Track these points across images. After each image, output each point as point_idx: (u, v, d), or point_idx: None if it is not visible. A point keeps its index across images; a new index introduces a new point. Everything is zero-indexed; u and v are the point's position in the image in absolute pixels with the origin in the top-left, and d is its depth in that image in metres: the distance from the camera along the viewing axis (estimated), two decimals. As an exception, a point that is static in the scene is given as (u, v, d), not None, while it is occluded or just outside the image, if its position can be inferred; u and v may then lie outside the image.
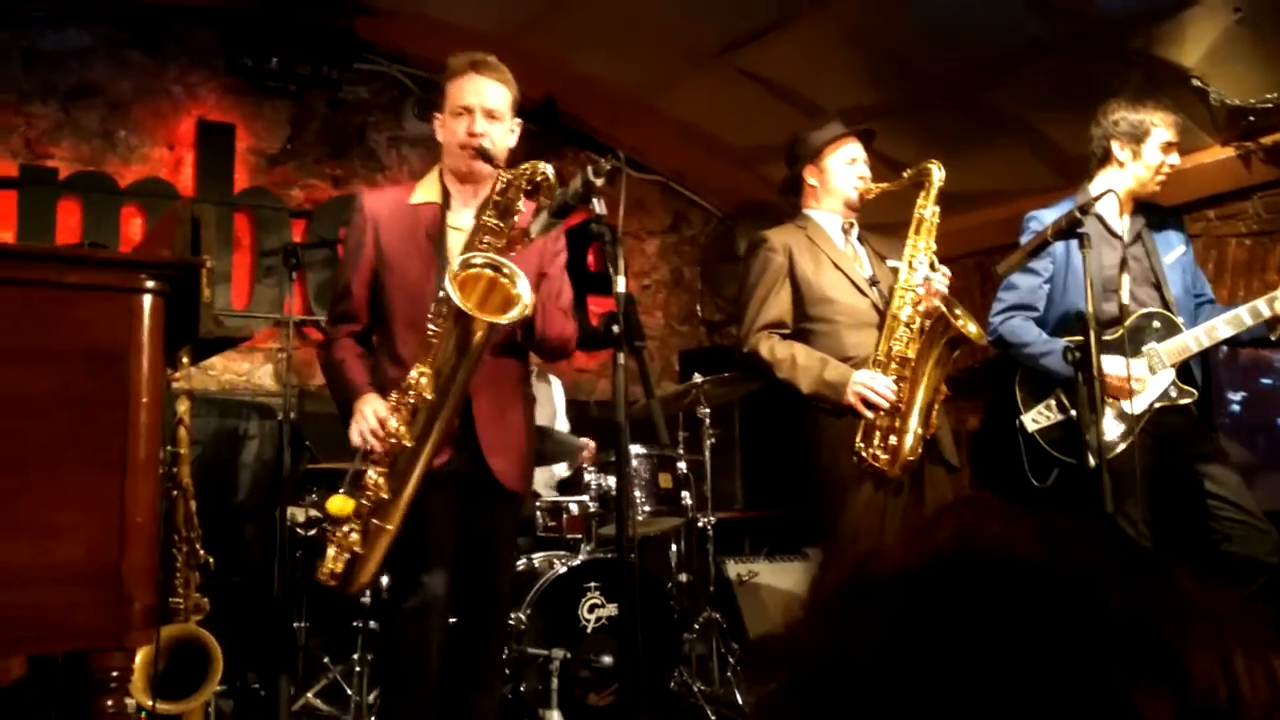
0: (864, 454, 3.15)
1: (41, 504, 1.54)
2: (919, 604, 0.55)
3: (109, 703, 1.60)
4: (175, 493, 2.76)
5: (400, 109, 6.13)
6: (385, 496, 2.64)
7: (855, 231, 3.46)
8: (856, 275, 3.35)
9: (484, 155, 2.81)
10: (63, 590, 1.53)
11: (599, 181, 2.52)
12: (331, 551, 2.70)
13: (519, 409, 2.98)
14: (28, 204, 5.23)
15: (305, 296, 5.68)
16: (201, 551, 2.68)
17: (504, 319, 2.60)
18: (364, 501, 2.66)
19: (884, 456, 3.14)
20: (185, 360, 2.76)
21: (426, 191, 2.96)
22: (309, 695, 4.10)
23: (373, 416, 2.69)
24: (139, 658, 2.37)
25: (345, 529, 2.68)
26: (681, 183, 6.85)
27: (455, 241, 2.89)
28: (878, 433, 3.16)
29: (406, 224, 2.91)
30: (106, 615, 1.55)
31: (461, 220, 2.92)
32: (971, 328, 3.14)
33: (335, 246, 5.27)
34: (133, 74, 5.57)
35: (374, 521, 2.65)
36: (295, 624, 4.16)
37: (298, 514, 4.29)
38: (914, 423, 3.15)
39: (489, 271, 2.65)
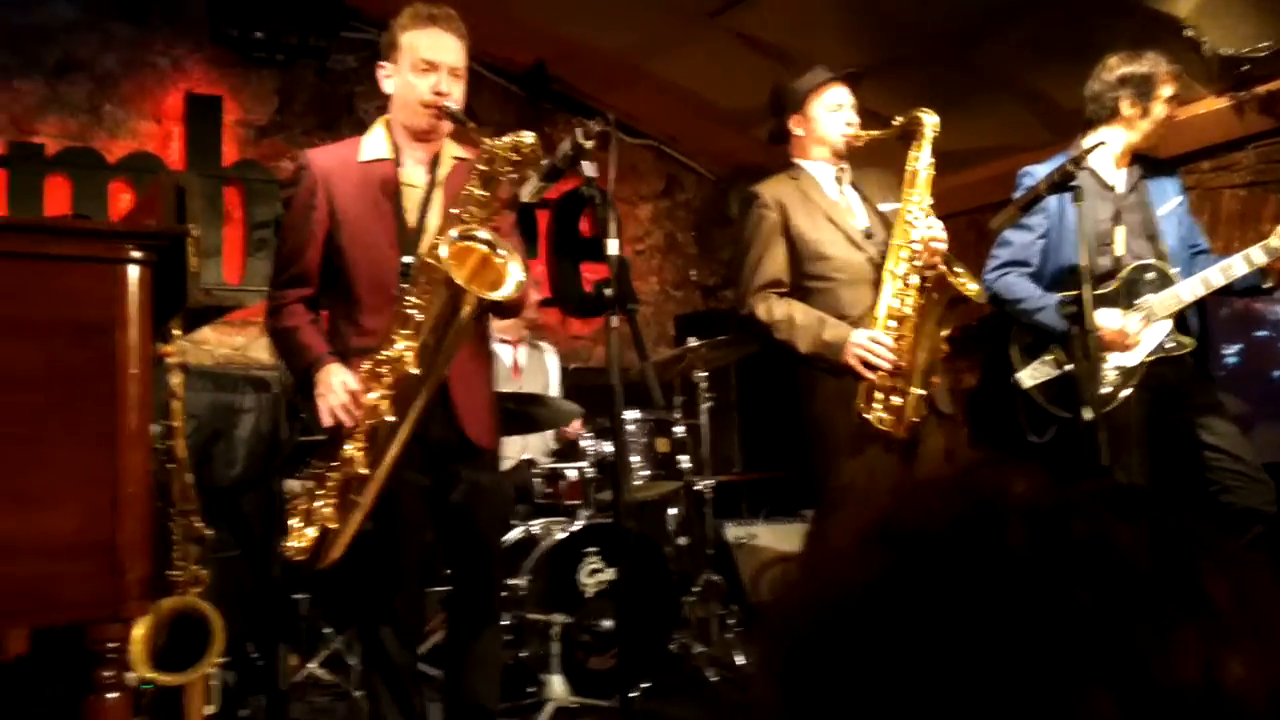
0: (867, 416, 3.11)
1: (32, 477, 1.53)
2: (960, 556, 0.53)
3: (108, 674, 1.60)
4: (171, 466, 2.75)
5: (389, 77, 6.07)
6: (363, 471, 2.56)
7: (849, 178, 3.40)
8: (851, 229, 3.29)
9: (453, 117, 2.72)
10: (56, 563, 1.53)
11: (588, 144, 2.50)
12: (298, 525, 2.64)
13: (484, 367, 2.93)
14: (16, 181, 5.20)
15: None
16: (199, 524, 2.68)
17: (497, 295, 2.54)
18: (336, 476, 2.59)
19: (888, 418, 3.09)
20: (177, 333, 2.75)
21: (376, 147, 2.83)
22: (311, 665, 4.12)
23: (342, 389, 2.60)
24: (138, 630, 2.37)
25: (317, 503, 2.62)
26: (674, 147, 6.81)
27: (412, 200, 2.79)
28: (879, 393, 3.10)
29: (359, 183, 2.78)
30: (101, 587, 1.55)
31: (416, 177, 2.81)
32: (971, 286, 3.11)
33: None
34: (118, 47, 5.52)
35: (349, 496, 2.58)
36: (295, 595, 4.17)
37: (294, 486, 4.29)
38: (916, 382, 3.12)
39: (482, 247, 2.59)
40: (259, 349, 5.61)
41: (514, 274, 2.57)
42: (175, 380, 2.76)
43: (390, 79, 2.82)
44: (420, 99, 2.74)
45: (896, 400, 3.11)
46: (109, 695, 1.59)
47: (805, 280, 3.27)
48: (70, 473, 1.55)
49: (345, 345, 2.72)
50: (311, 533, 2.61)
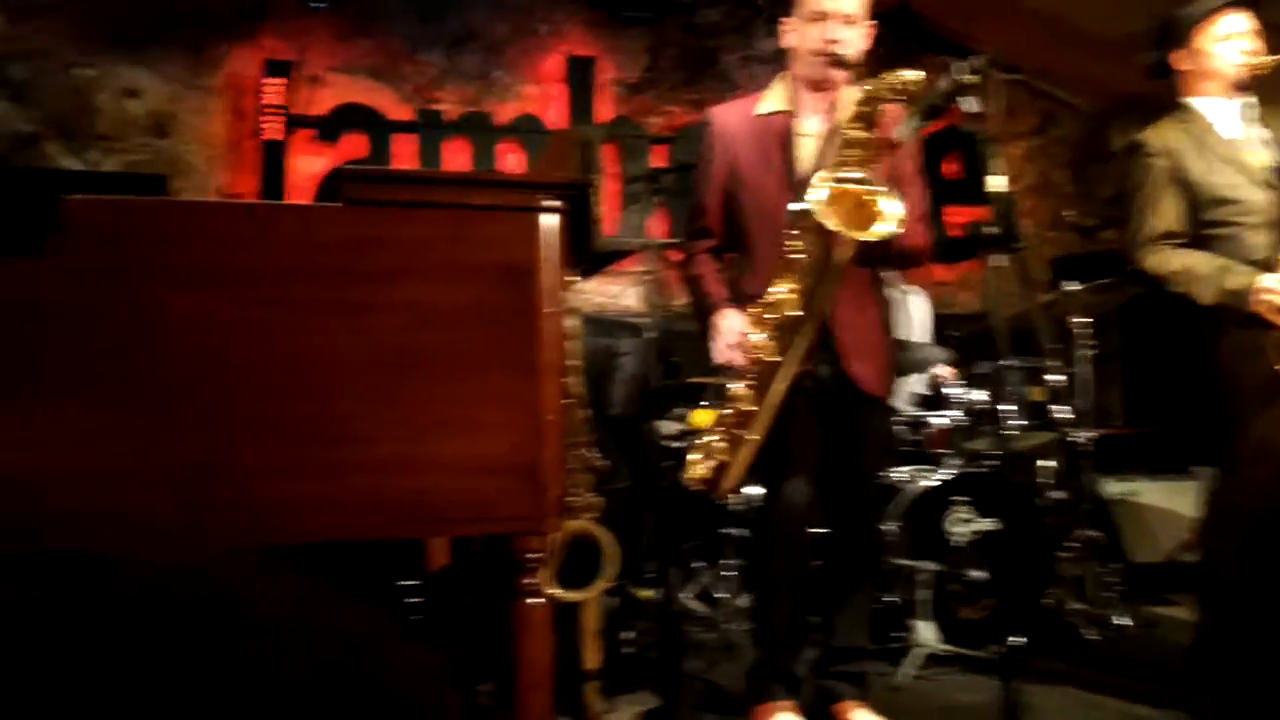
0: None
1: (470, 403, 1.73)
2: None
3: (529, 581, 1.79)
4: (568, 401, 2.97)
5: (751, 27, 6.17)
6: (750, 408, 2.72)
7: (1255, 113, 3.07)
8: (1257, 168, 2.95)
9: (841, 64, 2.75)
10: (491, 480, 1.72)
11: (969, 79, 2.44)
12: (699, 458, 2.84)
13: (875, 313, 2.95)
14: (423, 145, 5.79)
15: (669, 220, 5.89)
16: (593, 455, 2.88)
17: (872, 236, 2.55)
18: (729, 413, 2.76)
19: None
20: (572, 279, 2.96)
21: (774, 100, 2.95)
22: (683, 597, 4.34)
23: (732, 333, 2.76)
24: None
25: (713, 438, 2.80)
26: (1048, 80, 6.44)
27: (805, 149, 2.86)
28: None
29: (756, 136, 2.91)
30: (527, 502, 1.73)
31: (810, 127, 2.88)
32: None
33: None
34: (506, 16, 5.97)
35: (739, 432, 2.74)
36: (668, 530, 4.39)
37: (665, 426, 4.51)
38: None
39: (855, 187, 2.60)
40: (631, 297, 5.92)
41: (890, 212, 2.55)
42: (570, 323, 2.97)
43: (791, 33, 2.92)
44: (811, 48, 2.81)
45: (1317, 349, 2.79)
46: (532, 600, 1.79)
47: (1206, 228, 2.98)
48: (502, 400, 1.74)
49: (743, 291, 2.86)
50: (708, 466, 2.80)
